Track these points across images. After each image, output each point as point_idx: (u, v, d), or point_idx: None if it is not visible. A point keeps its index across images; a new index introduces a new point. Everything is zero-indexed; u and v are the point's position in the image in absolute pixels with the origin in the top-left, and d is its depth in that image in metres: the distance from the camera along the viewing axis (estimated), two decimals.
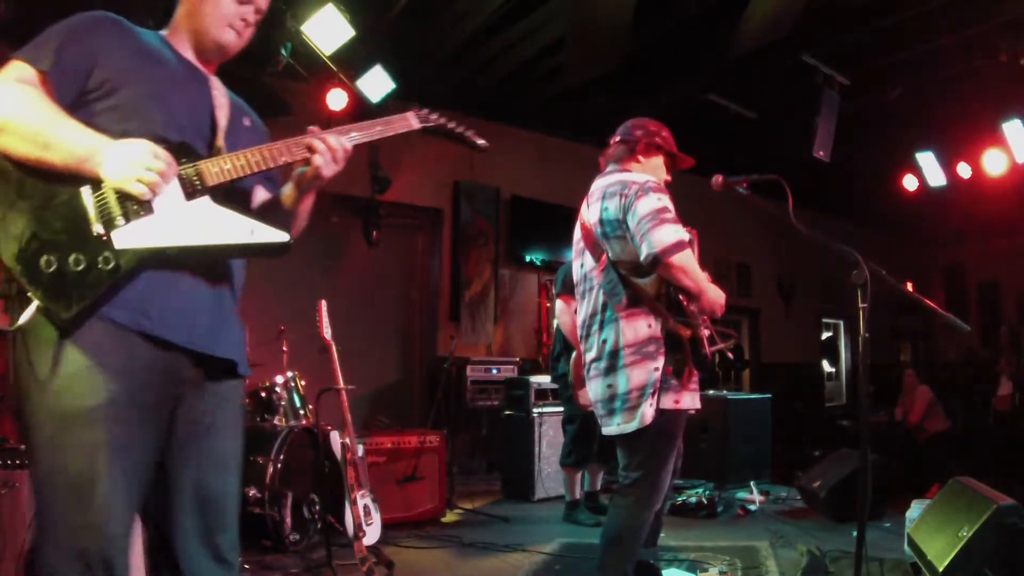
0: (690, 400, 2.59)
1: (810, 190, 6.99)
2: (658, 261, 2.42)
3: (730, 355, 2.76)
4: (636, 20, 5.05)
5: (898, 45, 5.69)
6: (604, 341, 2.58)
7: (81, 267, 1.38)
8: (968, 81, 6.16)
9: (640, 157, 2.74)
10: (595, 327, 2.63)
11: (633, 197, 2.51)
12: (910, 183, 8.00)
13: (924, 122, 7.15)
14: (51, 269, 1.37)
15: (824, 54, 5.77)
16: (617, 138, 2.80)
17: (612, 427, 2.58)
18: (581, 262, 2.75)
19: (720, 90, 6.49)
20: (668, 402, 2.50)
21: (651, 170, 2.74)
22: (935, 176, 7.69)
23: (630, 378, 2.50)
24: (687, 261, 2.45)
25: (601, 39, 5.34)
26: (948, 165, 7.60)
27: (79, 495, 1.38)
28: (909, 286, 2.64)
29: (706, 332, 2.68)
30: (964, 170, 7.52)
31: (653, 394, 2.47)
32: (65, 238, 1.39)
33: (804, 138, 5.92)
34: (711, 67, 6.05)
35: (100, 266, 1.39)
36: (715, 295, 2.58)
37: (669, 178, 2.81)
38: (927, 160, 7.65)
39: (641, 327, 2.51)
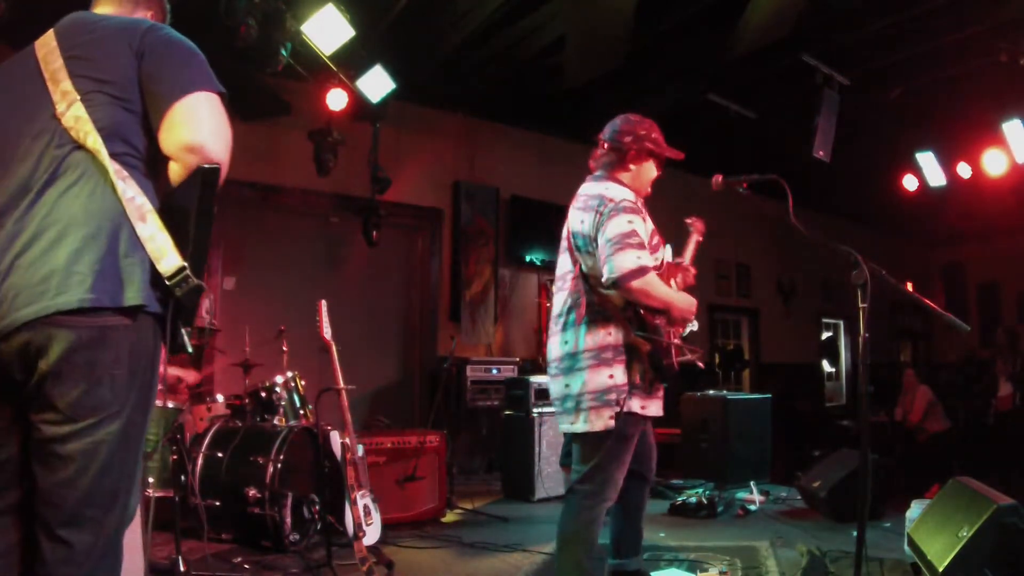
0: (655, 408, 2.68)
1: (810, 190, 7.00)
2: (618, 286, 2.48)
3: (701, 365, 2.78)
4: (636, 20, 5.05)
5: (898, 45, 5.69)
6: (565, 343, 2.63)
7: None
8: (968, 81, 6.16)
9: (631, 165, 2.75)
10: (558, 328, 2.69)
11: (606, 217, 2.53)
12: (910, 183, 7.99)
13: (924, 122, 7.14)
14: None
15: (824, 54, 5.77)
16: (606, 144, 2.77)
17: (563, 425, 2.67)
18: (561, 261, 2.81)
19: (720, 90, 6.48)
20: (635, 406, 2.56)
21: (642, 176, 2.77)
22: (935, 176, 7.69)
23: (586, 381, 2.55)
24: (647, 284, 2.48)
25: (601, 39, 5.34)
26: (948, 165, 7.59)
27: None
28: (909, 286, 2.64)
29: (676, 341, 2.71)
30: (964, 170, 7.51)
31: (613, 403, 2.51)
32: None
33: (804, 138, 5.92)
34: (711, 67, 6.05)
35: None
36: (684, 306, 2.63)
37: (659, 173, 2.84)
38: (927, 160, 7.64)
39: (601, 334, 2.57)
